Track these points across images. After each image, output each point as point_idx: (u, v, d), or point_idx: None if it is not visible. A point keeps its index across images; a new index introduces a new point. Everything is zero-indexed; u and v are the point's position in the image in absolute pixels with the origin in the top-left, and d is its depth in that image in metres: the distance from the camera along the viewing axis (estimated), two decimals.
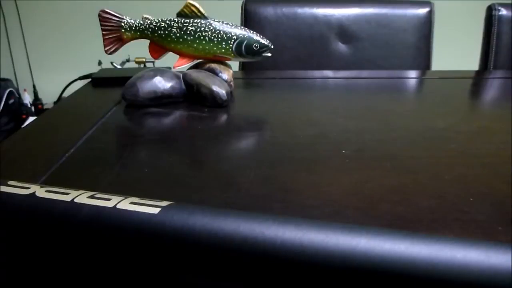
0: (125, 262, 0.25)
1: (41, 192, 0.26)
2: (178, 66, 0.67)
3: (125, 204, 0.24)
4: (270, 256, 0.21)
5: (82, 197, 0.25)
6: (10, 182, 0.27)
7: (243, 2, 1.06)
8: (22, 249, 0.27)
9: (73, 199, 0.25)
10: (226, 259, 0.22)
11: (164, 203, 0.24)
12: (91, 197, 0.25)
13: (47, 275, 0.27)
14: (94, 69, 0.89)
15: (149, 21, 0.65)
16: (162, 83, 0.61)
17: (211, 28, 0.63)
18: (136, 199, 0.25)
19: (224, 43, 0.64)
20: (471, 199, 0.35)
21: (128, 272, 0.26)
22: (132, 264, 0.25)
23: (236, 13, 1.07)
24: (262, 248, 0.21)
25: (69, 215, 0.24)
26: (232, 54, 0.65)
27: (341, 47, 1.07)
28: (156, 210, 0.24)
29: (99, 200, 0.25)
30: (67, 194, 0.25)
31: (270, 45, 0.66)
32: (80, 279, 0.26)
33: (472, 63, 1.15)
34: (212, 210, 0.23)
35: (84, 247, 0.25)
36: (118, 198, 0.25)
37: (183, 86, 0.63)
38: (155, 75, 0.61)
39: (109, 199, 0.25)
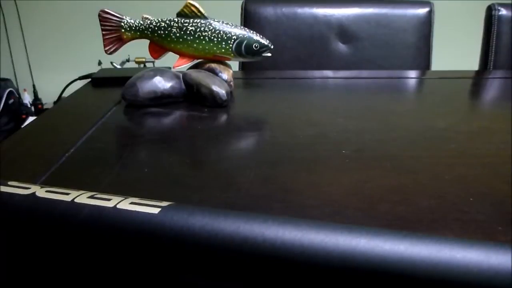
0: (125, 262, 0.25)
1: (41, 192, 0.26)
2: (178, 66, 0.67)
3: (125, 204, 0.24)
4: (270, 257, 0.21)
5: (83, 197, 0.25)
6: (10, 182, 0.27)
7: (243, 2, 1.06)
8: (22, 249, 0.27)
9: (74, 199, 0.25)
10: (226, 260, 0.22)
11: (164, 203, 0.24)
12: (91, 197, 0.25)
13: (47, 275, 0.27)
14: (94, 69, 0.89)
15: (149, 21, 0.65)
16: (162, 83, 0.61)
17: (211, 28, 0.63)
18: (136, 199, 0.25)
19: (224, 43, 0.64)
20: (471, 199, 0.35)
21: (128, 272, 0.26)
22: (132, 264, 0.25)
23: (236, 13, 1.07)
24: (262, 248, 0.21)
25: (69, 215, 0.24)
26: (232, 54, 0.65)
27: (341, 47, 1.07)
28: (156, 210, 0.24)
29: (99, 200, 0.25)
30: (67, 194, 0.25)
31: (270, 45, 0.66)
32: (81, 279, 0.26)
33: (472, 63, 1.15)
34: (212, 211, 0.23)
35: (84, 247, 0.25)
36: (118, 198, 0.25)
37: (183, 86, 0.63)
38: (155, 75, 0.61)
39: (109, 199, 0.25)
